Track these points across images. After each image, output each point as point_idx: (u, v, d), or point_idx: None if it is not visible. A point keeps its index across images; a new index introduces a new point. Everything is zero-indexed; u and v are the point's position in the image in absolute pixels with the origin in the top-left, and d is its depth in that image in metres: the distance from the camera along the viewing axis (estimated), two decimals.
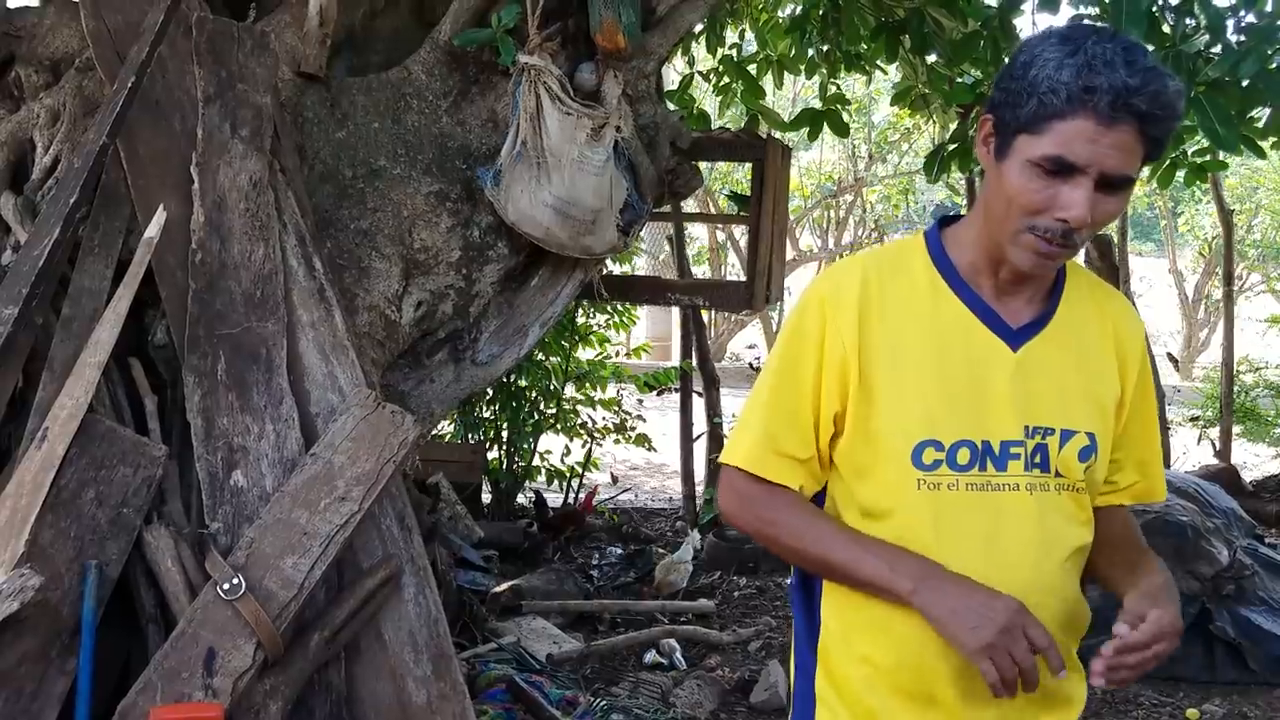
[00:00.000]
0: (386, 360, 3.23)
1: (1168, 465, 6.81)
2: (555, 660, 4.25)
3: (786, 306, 10.99)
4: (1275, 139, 3.75)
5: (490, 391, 6.03)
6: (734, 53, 5.53)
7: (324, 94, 3.25)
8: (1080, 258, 1.67)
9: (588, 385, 6.62)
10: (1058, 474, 1.53)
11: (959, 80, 4.41)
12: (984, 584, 1.44)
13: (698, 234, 13.37)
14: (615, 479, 7.56)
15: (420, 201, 3.28)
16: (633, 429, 6.74)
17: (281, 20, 3.23)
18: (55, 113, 3.06)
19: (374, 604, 2.65)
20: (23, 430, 2.51)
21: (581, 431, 6.66)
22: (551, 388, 6.41)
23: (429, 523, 4.03)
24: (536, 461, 6.55)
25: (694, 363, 6.87)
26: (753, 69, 5.35)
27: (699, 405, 6.82)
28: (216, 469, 2.62)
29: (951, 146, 4.46)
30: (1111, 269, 6.64)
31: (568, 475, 6.68)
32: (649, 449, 6.82)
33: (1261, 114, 3.64)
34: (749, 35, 5.88)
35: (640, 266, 10.40)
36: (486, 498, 6.41)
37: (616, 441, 6.83)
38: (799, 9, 5.24)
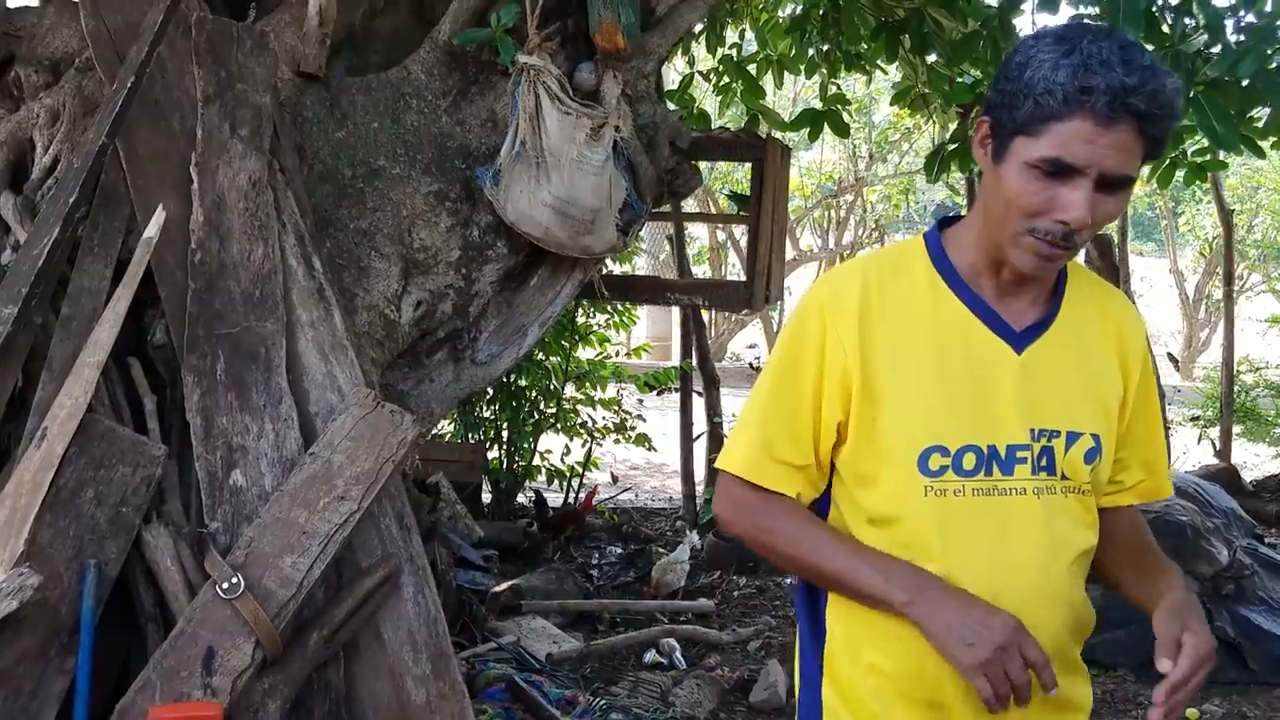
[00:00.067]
0: (386, 360, 3.23)
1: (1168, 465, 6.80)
2: (555, 660, 4.25)
3: (787, 306, 11.00)
4: (1275, 138, 3.75)
5: (490, 391, 6.04)
6: (734, 52, 5.51)
7: (323, 94, 3.25)
8: (1080, 257, 1.66)
9: (588, 385, 6.62)
10: (1064, 477, 1.51)
11: (959, 80, 4.41)
12: (981, 598, 1.43)
13: (698, 234, 13.37)
14: (615, 479, 7.56)
15: (420, 201, 3.28)
16: (633, 429, 6.74)
17: (281, 20, 3.23)
18: (55, 113, 3.06)
19: (373, 603, 2.65)
20: (22, 430, 2.50)
21: (581, 431, 6.66)
22: (551, 387, 6.41)
23: (428, 522, 4.03)
24: (536, 461, 6.55)
25: (694, 362, 6.87)
26: (753, 69, 5.34)
27: (699, 405, 6.82)
28: (215, 468, 2.62)
29: (951, 146, 4.45)
30: (1112, 269, 6.63)
31: (568, 475, 6.68)
32: (649, 449, 6.82)
33: (1261, 114, 3.64)
34: (749, 35, 5.87)
35: (640, 266, 10.41)
36: (486, 497, 6.42)
37: (616, 441, 6.83)
38: (799, 9, 5.23)
